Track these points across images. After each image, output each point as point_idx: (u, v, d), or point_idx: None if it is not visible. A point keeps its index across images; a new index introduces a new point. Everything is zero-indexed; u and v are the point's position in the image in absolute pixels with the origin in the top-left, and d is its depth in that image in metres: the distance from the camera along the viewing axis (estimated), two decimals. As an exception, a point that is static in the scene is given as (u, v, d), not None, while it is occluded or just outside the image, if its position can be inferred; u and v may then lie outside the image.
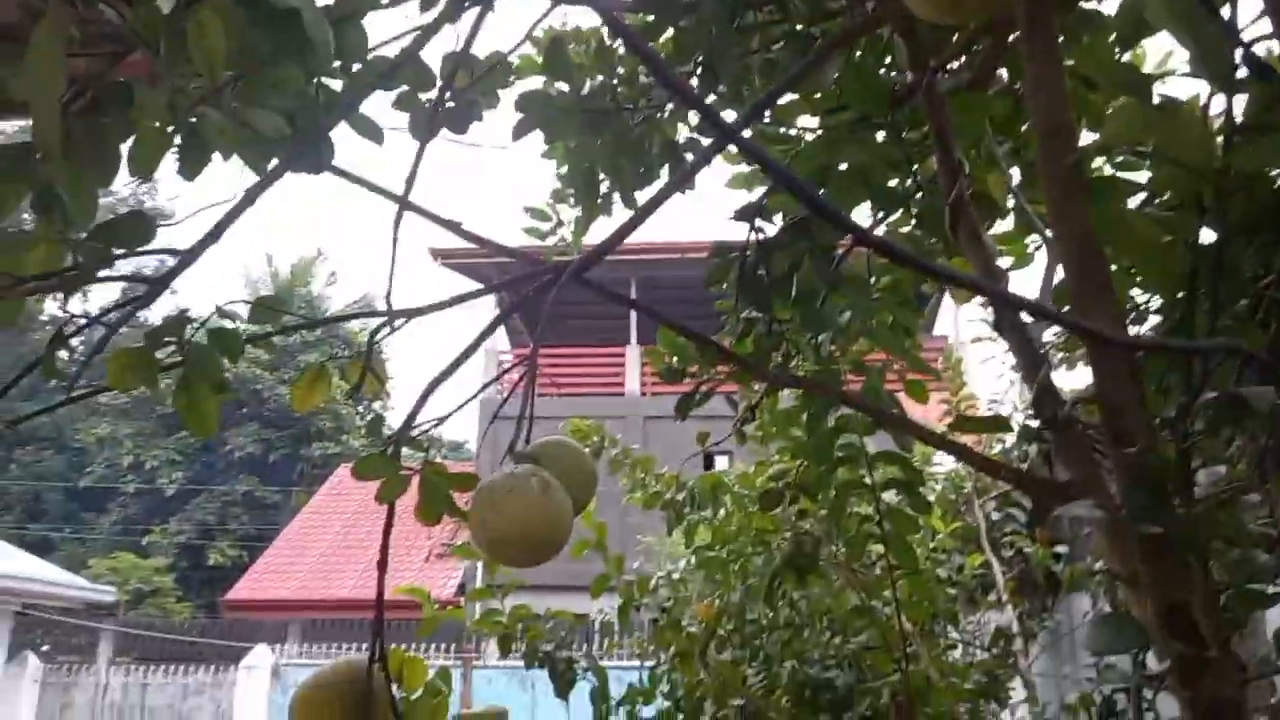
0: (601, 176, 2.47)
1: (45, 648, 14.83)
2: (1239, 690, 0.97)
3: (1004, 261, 2.23)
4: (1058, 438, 1.40)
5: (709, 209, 2.52)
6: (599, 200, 2.47)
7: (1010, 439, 5.00)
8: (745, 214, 1.77)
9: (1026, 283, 2.30)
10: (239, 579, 19.03)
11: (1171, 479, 0.98)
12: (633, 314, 17.29)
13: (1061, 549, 3.97)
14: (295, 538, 19.92)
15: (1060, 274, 1.20)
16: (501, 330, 20.38)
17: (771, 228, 1.97)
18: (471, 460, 20.72)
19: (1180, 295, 1.01)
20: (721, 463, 12.32)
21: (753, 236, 1.83)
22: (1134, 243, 0.99)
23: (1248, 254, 1.03)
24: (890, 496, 2.51)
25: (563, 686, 2.99)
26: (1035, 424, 1.44)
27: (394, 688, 1.51)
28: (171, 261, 1.30)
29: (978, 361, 5.74)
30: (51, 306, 1.34)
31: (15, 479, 29.89)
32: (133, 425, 29.04)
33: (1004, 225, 2.19)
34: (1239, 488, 0.94)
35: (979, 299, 1.63)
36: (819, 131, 2.21)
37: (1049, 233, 1.35)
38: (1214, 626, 0.97)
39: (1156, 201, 1.15)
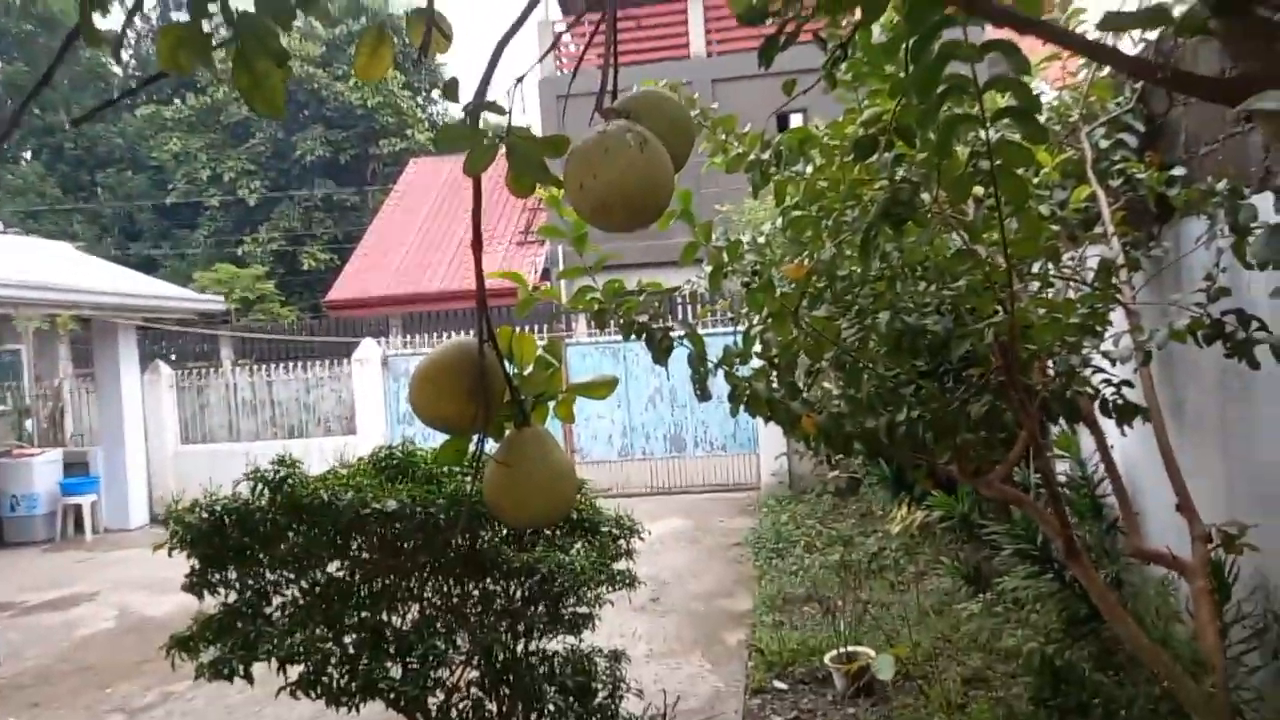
0: None
1: (173, 356, 16.13)
2: None
3: None
4: (1231, 25, 1.18)
5: None
6: None
7: (1134, 38, 4.55)
8: None
9: None
10: (335, 280, 19.94)
11: None
12: (691, -34, 15.89)
13: (1177, 172, 3.71)
14: (380, 236, 20.48)
15: None
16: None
17: None
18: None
19: None
20: (796, 122, 11.80)
21: None
22: None
23: None
24: (998, 130, 2.30)
25: (660, 354, 3.05)
26: (1202, 10, 1.22)
27: (505, 363, 1.52)
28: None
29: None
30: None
31: (105, 203, 30.95)
32: (203, 138, 29.23)
33: None
34: None
35: None
36: None
37: None
38: None
39: None
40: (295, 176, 29.48)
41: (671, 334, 3.14)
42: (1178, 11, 1.25)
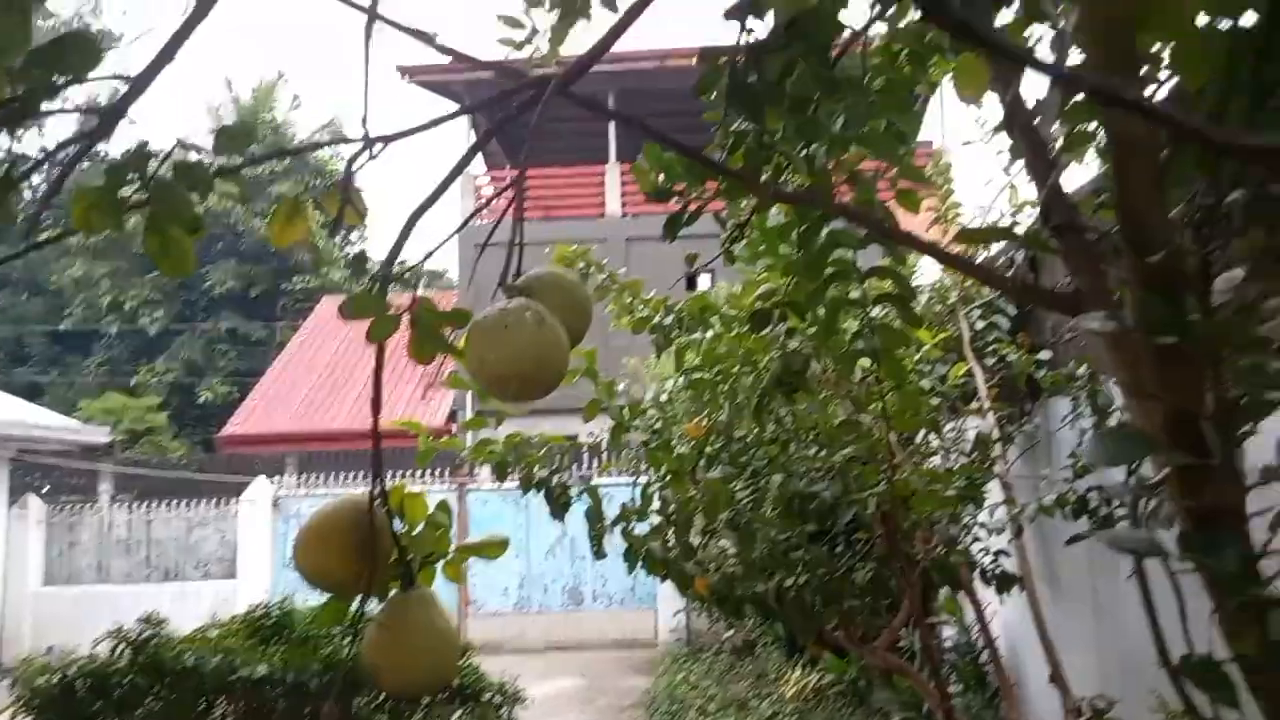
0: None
1: (45, 489, 15.13)
2: (1240, 498, 0.98)
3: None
4: (1067, 244, 1.36)
5: (694, 10, 2.36)
6: (576, 4, 2.30)
7: (995, 248, 4.98)
8: (736, 11, 1.64)
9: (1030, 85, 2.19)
10: (232, 415, 19.32)
11: (1190, 286, 0.95)
12: (611, 130, 16.77)
13: (1044, 355, 4.03)
14: (285, 372, 20.08)
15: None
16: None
17: (764, 27, 1.84)
18: (454, 289, 20.65)
19: (1208, 84, 0.93)
20: (704, 283, 12.31)
21: (744, 39, 1.71)
22: (1168, 18, 0.91)
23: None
24: (879, 311, 2.50)
25: (557, 509, 3.08)
26: (1044, 230, 1.40)
27: (395, 522, 1.53)
28: (124, 88, 1.19)
29: (963, 168, 5.63)
30: (3, 143, 1.25)
31: (-6, 326, 29.68)
32: (108, 265, 28.57)
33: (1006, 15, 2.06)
34: (1261, 294, 0.91)
35: (988, 94, 1.54)
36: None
37: (1065, 21, 1.26)
38: (1221, 436, 0.97)
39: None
40: (202, 308, 28.93)
41: (570, 489, 3.18)
42: (1022, 230, 1.42)
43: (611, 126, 16.45)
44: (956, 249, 1.53)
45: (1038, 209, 1.37)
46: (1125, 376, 1.14)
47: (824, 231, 2.38)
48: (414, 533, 1.69)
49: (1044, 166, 1.35)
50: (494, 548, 1.92)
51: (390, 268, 1.31)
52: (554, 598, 11.93)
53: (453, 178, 1.44)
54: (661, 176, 2.63)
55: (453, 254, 17.92)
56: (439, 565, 1.78)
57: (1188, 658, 0.99)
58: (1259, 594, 0.93)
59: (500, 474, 3.14)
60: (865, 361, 2.69)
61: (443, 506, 1.80)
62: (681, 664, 10.07)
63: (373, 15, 1.21)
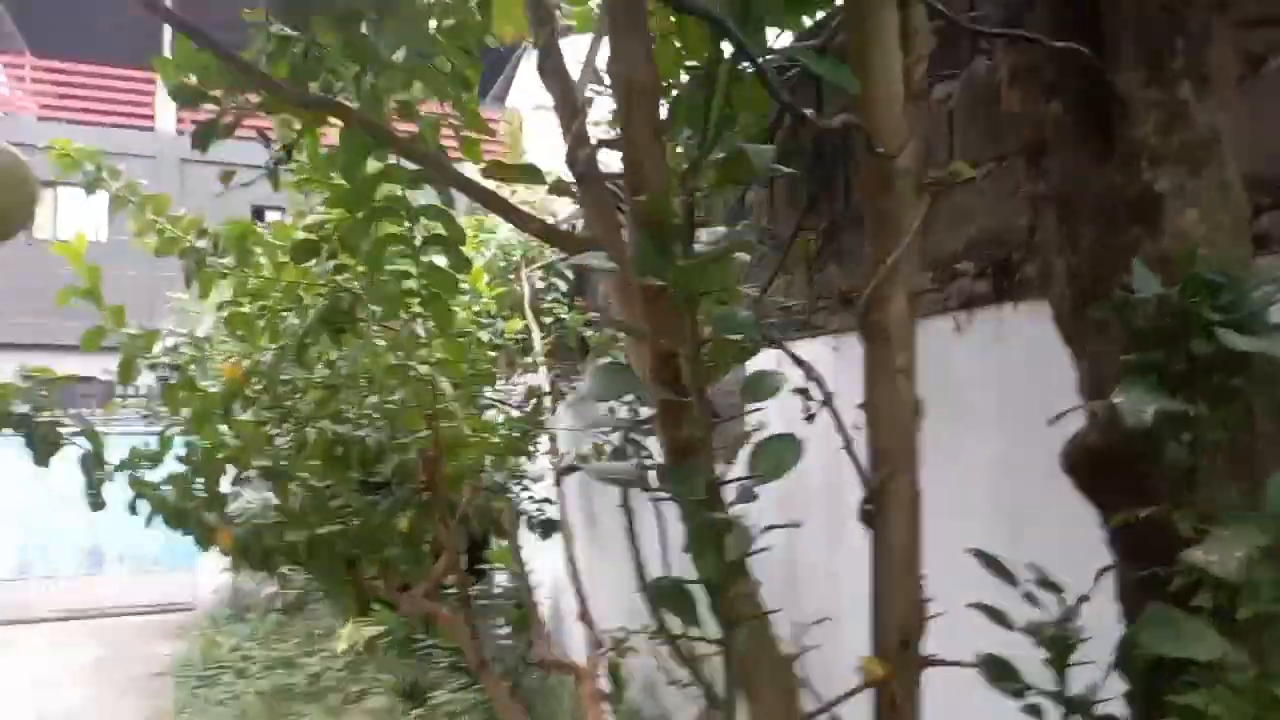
0: None
1: None
2: (709, 432, 1.04)
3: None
4: (584, 189, 1.37)
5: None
6: None
7: (564, 212, 5.18)
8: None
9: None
10: None
11: (676, 233, 0.98)
12: (167, 30, 14.69)
13: (595, 315, 4.27)
14: None
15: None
16: (-13, 32, 16.24)
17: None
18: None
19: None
20: (274, 218, 11.33)
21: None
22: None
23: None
24: (432, 256, 2.43)
25: (44, 452, 2.59)
26: (568, 181, 1.40)
27: None
28: None
29: (540, 134, 5.77)
30: None
31: None
32: None
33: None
34: (731, 246, 0.97)
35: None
36: None
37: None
38: (695, 375, 1.02)
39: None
40: None
41: (61, 429, 2.69)
42: (550, 176, 1.41)
43: (167, 28, 14.45)
44: (490, 185, 1.49)
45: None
46: (625, 316, 1.17)
47: (374, 159, 2.24)
48: None
49: (570, 112, 1.35)
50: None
51: None
52: (68, 561, 10.34)
53: None
54: (194, 78, 2.30)
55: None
56: None
57: (660, 579, 1.05)
58: (717, 518, 1.00)
59: (-39, 411, 2.56)
60: (416, 306, 2.60)
61: None
62: (224, 625, 9.31)
63: None
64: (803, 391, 1.21)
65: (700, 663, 1.16)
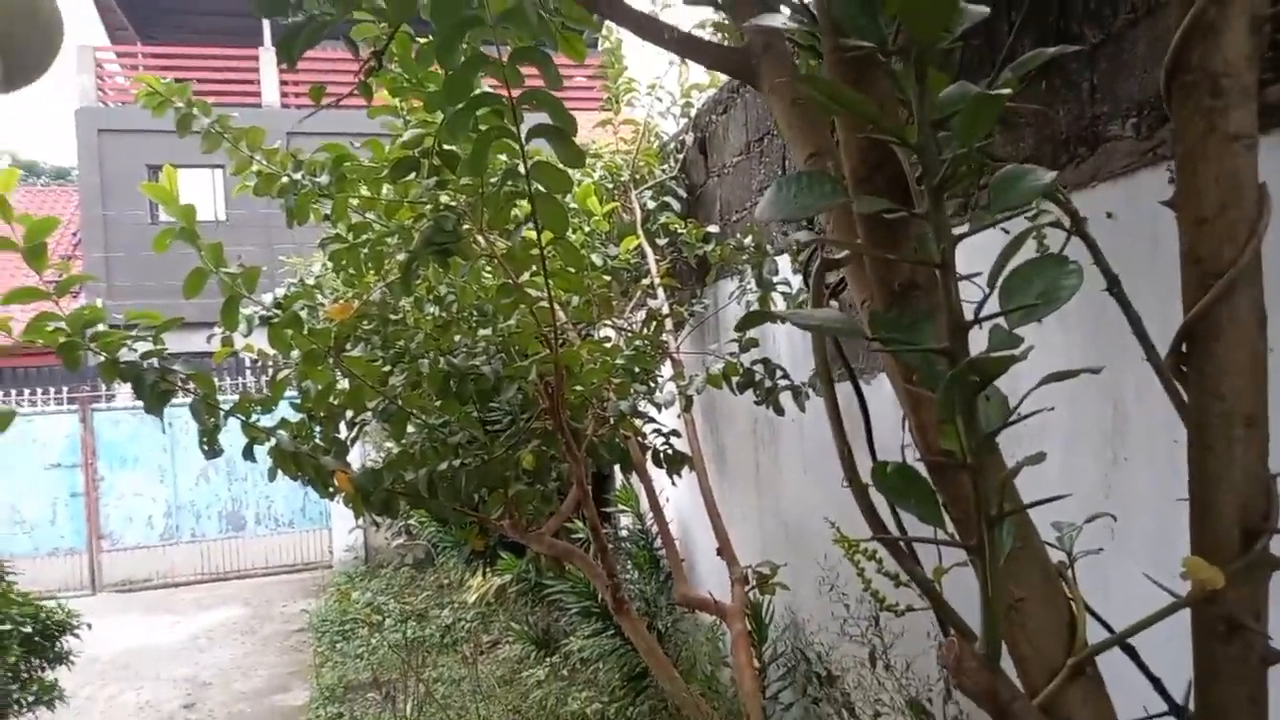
0: None
1: None
2: (951, 248, 0.74)
3: None
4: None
5: None
6: None
7: (674, 128, 4.85)
8: None
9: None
10: None
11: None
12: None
13: (713, 229, 3.95)
14: None
15: None
16: (98, 22, 16.80)
17: None
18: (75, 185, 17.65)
19: None
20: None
21: None
22: None
23: None
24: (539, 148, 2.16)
25: (153, 401, 2.47)
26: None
27: None
28: None
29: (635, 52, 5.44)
30: None
31: None
32: None
33: None
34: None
35: None
36: None
37: None
38: (929, 174, 0.72)
39: None
40: None
41: (173, 376, 2.57)
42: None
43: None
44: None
45: None
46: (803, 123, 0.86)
47: (466, 47, 1.98)
48: None
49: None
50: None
51: None
52: (210, 525, 10.77)
53: None
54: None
55: (70, 140, 15.19)
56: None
57: (883, 465, 0.75)
58: (966, 374, 0.69)
59: (70, 360, 2.45)
60: (524, 209, 2.35)
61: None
62: (359, 582, 9.55)
63: None
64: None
65: (936, 578, 0.87)
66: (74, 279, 2.38)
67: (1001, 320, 0.73)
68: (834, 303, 1.13)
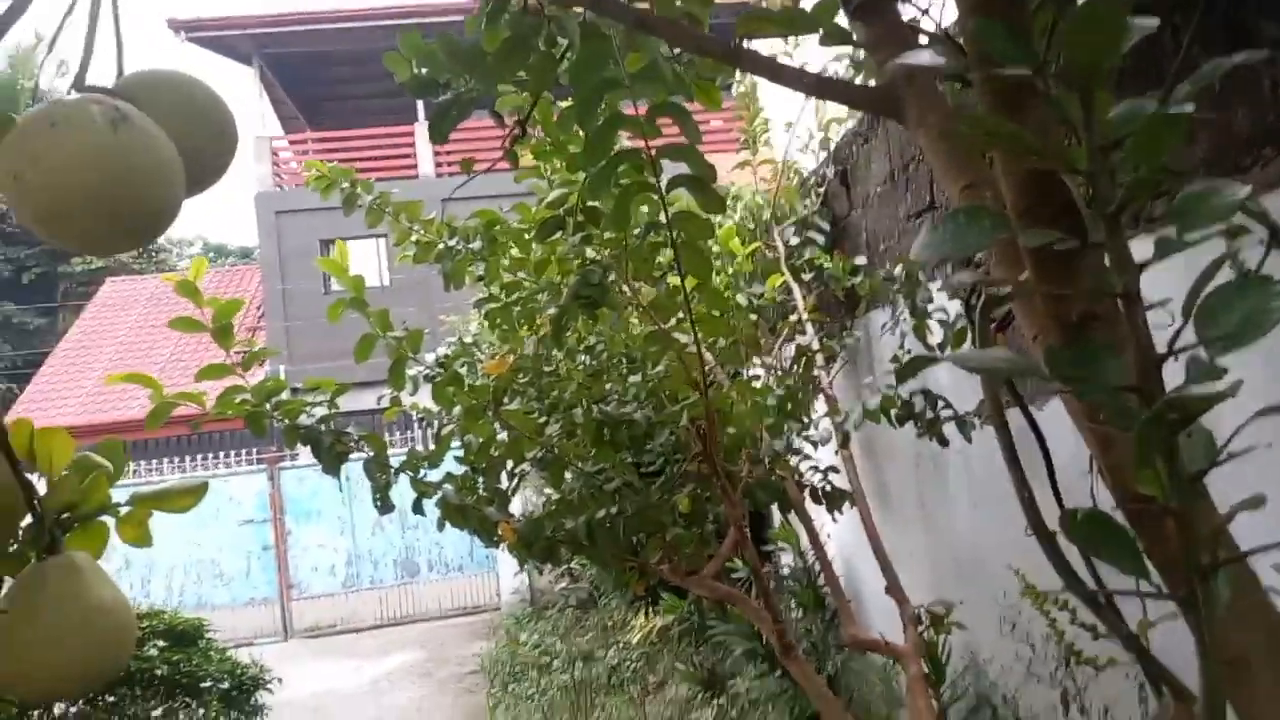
0: None
1: None
2: (1135, 278, 0.68)
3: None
4: (871, 28, 1.05)
5: None
6: None
7: (812, 164, 4.80)
8: None
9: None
10: (8, 411, 17.26)
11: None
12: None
13: (860, 260, 3.87)
14: (66, 361, 18.14)
15: None
16: (272, 114, 18.28)
17: None
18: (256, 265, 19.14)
19: None
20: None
21: None
22: None
23: None
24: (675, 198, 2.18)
25: (330, 461, 2.62)
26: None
27: (18, 468, 1.08)
28: None
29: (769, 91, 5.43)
30: None
31: None
32: None
33: None
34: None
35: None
36: None
37: None
38: (1103, 203, 0.67)
39: None
40: (-36, 298, 25.79)
41: (347, 438, 2.72)
42: (810, 8, 1.10)
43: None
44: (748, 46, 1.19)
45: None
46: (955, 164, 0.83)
47: (604, 107, 2.03)
48: (57, 478, 1.24)
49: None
50: (186, 496, 1.46)
51: None
52: (386, 572, 11.30)
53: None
54: (421, 68, 2.22)
55: (250, 224, 16.53)
56: (111, 524, 1.33)
57: (1074, 514, 0.70)
58: (1166, 413, 0.64)
59: (257, 428, 2.64)
60: (667, 258, 2.37)
61: (109, 447, 1.34)
62: (525, 624, 9.75)
63: None
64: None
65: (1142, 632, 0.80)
66: (257, 354, 2.57)
67: (1200, 351, 0.67)
68: (1000, 335, 1.08)
